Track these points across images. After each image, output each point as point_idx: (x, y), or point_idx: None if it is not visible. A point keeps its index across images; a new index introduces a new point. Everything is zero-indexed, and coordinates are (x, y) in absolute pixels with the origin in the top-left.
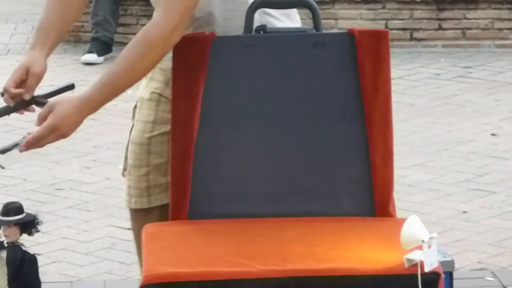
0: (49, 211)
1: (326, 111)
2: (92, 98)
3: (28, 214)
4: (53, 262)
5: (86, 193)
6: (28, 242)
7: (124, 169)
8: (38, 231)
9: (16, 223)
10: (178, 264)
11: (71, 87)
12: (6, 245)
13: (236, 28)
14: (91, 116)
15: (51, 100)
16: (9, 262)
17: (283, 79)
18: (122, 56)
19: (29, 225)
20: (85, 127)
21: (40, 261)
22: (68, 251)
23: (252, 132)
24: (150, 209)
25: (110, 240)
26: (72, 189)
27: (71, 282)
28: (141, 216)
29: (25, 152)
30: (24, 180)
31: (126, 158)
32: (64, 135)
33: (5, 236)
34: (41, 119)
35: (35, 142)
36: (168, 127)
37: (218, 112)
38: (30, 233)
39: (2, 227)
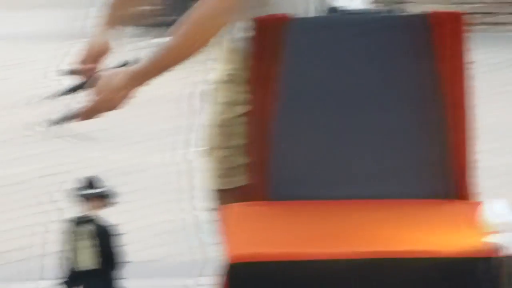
0: (121, 194)
1: (402, 93)
2: (142, 72)
3: (108, 187)
4: (126, 243)
5: (158, 175)
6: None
7: (205, 150)
8: (117, 203)
9: (98, 195)
10: (261, 244)
11: (128, 64)
12: (88, 218)
13: (289, 9)
14: (154, 101)
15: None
16: (93, 234)
17: (359, 61)
18: (175, 31)
19: (109, 197)
20: (159, 110)
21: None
22: (141, 232)
23: (328, 114)
24: (232, 190)
25: (182, 222)
26: (139, 172)
27: (143, 262)
28: (223, 197)
29: (99, 135)
30: (98, 162)
31: (205, 140)
32: (114, 107)
33: (88, 209)
34: (93, 93)
35: (87, 115)
36: (246, 108)
37: (295, 94)
38: (110, 205)
39: (83, 200)
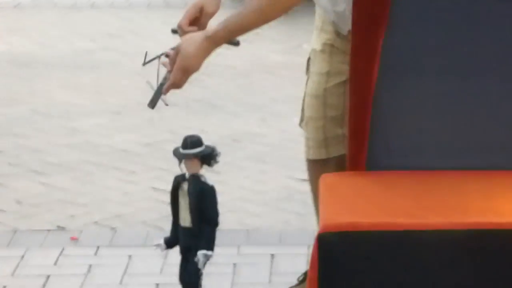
0: (226, 162)
1: (510, 63)
2: (217, 35)
3: (207, 146)
4: (230, 211)
5: (262, 144)
6: None
7: (301, 120)
8: (217, 162)
9: (196, 155)
10: (355, 214)
11: (236, 43)
12: (187, 177)
13: None
14: (264, 70)
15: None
16: (190, 193)
17: (466, 31)
18: None
19: (209, 157)
20: (260, 80)
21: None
22: (245, 201)
23: (433, 84)
24: (327, 160)
25: (286, 191)
26: (248, 140)
27: (247, 230)
28: (318, 167)
29: (203, 105)
30: (202, 130)
31: (302, 109)
32: (194, 71)
33: (187, 168)
34: (172, 62)
35: (173, 87)
36: (343, 78)
37: (398, 64)
38: (209, 164)
39: (183, 160)
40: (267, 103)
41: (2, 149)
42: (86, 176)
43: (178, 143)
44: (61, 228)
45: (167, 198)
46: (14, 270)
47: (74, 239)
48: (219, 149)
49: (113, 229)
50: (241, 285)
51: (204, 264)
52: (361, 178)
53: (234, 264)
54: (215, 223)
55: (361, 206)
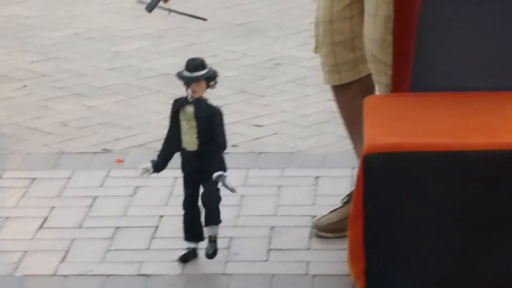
0: (268, 85)
1: None
2: None
3: (210, 68)
4: (274, 133)
5: (304, 68)
6: (248, 114)
7: (316, 46)
8: (216, 83)
9: (203, 78)
10: (399, 135)
11: (203, 19)
12: (190, 100)
13: None
14: None
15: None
16: (197, 116)
17: None
18: None
19: (212, 79)
20: (301, 4)
21: (261, 133)
22: (288, 124)
23: (477, 6)
24: (347, 85)
25: (328, 114)
26: (290, 64)
27: (291, 153)
28: (339, 91)
29: (244, 29)
30: (244, 54)
31: (316, 36)
32: None
33: (193, 91)
34: None
35: None
36: (346, 2)
37: None
38: (211, 87)
39: (191, 84)
40: (308, 27)
41: (46, 73)
42: (129, 99)
43: (220, 67)
44: (106, 151)
45: None
46: (61, 192)
47: (119, 161)
48: (260, 72)
49: (157, 151)
50: (285, 207)
51: (223, 184)
52: (405, 99)
53: (278, 187)
54: (225, 146)
55: (405, 127)
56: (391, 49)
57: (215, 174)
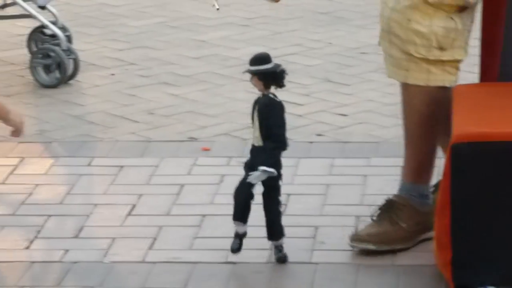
0: (353, 74)
1: None
2: None
3: (276, 64)
4: (359, 123)
5: None
6: (333, 103)
7: (380, 37)
8: (283, 86)
9: (256, 72)
10: (487, 124)
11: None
12: (259, 96)
13: None
14: None
15: None
16: (258, 110)
17: None
18: None
19: (271, 76)
20: None
21: (346, 122)
22: (374, 113)
23: None
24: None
25: None
26: (376, 53)
27: (376, 142)
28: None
29: (329, 18)
30: (330, 43)
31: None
32: None
33: (253, 84)
34: None
35: None
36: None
37: None
38: (276, 85)
39: (254, 77)
40: None
41: (134, 61)
42: (215, 88)
43: (305, 55)
44: (192, 139)
45: (295, 110)
46: (149, 179)
47: (206, 150)
48: (345, 61)
49: (243, 140)
50: (370, 196)
51: (258, 179)
52: (493, 89)
53: (364, 176)
54: (279, 141)
55: (493, 117)
56: (411, 25)
57: (259, 168)
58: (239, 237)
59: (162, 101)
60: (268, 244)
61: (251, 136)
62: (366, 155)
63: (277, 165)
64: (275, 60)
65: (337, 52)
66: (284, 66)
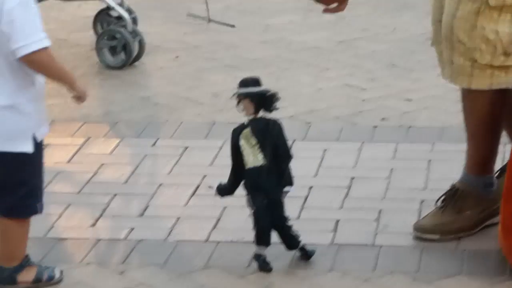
0: (419, 60)
1: None
2: None
3: (261, 90)
4: (424, 108)
5: None
6: (398, 88)
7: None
8: (276, 109)
9: (246, 95)
10: None
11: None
12: (245, 123)
13: None
14: None
15: None
16: (255, 132)
17: None
18: None
19: (264, 100)
20: None
21: (411, 107)
22: (439, 98)
23: None
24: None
25: None
26: None
27: (441, 127)
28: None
29: (395, 3)
30: (395, 28)
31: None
32: None
33: (244, 108)
34: None
35: None
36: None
37: None
38: (268, 109)
39: (241, 99)
40: None
41: (199, 44)
42: (280, 71)
43: (371, 41)
44: None
45: (360, 95)
46: (213, 161)
47: None
48: (411, 47)
49: (307, 123)
50: (435, 181)
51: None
52: None
53: (429, 161)
54: (289, 157)
55: None
56: (476, 31)
57: (286, 189)
58: (262, 256)
59: (227, 84)
60: (332, 225)
61: (250, 159)
62: (430, 140)
63: None
64: (342, 44)
65: (402, 38)
66: (349, 50)
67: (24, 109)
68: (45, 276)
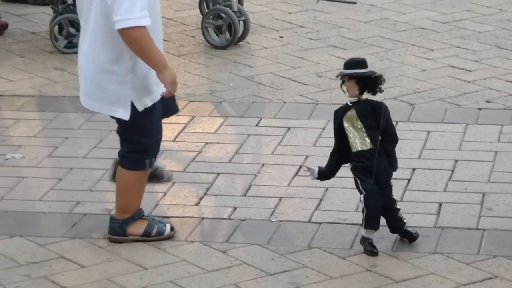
0: None
1: None
2: None
3: (366, 71)
4: (496, 91)
5: None
6: (504, 70)
7: None
8: (381, 91)
9: (351, 76)
10: None
11: (353, 2)
12: (349, 104)
13: None
14: None
15: None
16: (361, 115)
17: None
18: None
19: (370, 82)
20: None
21: None
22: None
23: None
24: None
25: None
26: None
27: None
28: None
29: None
30: (500, 10)
31: None
32: None
33: (347, 89)
34: None
35: None
36: None
37: None
38: (372, 92)
39: (345, 80)
40: None
41: (303, 24)
42: (384, 52)
43: (475, 22)
44: None
45: (465, 76)
46: (316, 141)
47: None
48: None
49: (411, 105)
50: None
51: None
52: None
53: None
54: (396, 140)
55: None
56: None
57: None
58: (369, 239)
59: (330, 64)
60: (435, 208)
61: (357, 140)
62: (500, 123)
63: None
64: (447, 25)
65: (508, 19)
66: (454, 31)
67: (123, 79)
68: (154, 231)
